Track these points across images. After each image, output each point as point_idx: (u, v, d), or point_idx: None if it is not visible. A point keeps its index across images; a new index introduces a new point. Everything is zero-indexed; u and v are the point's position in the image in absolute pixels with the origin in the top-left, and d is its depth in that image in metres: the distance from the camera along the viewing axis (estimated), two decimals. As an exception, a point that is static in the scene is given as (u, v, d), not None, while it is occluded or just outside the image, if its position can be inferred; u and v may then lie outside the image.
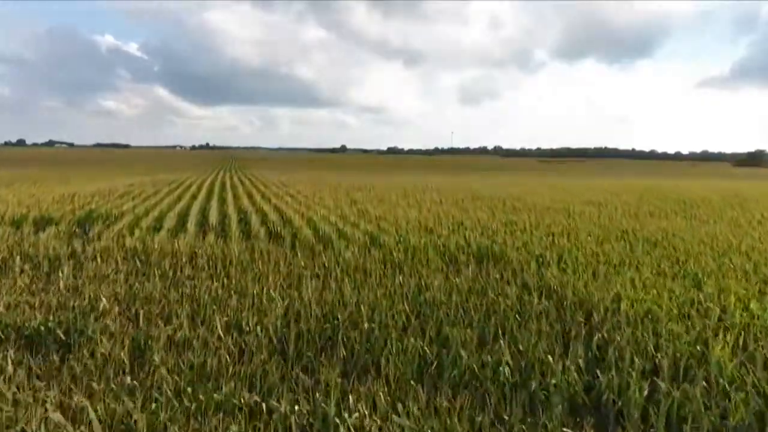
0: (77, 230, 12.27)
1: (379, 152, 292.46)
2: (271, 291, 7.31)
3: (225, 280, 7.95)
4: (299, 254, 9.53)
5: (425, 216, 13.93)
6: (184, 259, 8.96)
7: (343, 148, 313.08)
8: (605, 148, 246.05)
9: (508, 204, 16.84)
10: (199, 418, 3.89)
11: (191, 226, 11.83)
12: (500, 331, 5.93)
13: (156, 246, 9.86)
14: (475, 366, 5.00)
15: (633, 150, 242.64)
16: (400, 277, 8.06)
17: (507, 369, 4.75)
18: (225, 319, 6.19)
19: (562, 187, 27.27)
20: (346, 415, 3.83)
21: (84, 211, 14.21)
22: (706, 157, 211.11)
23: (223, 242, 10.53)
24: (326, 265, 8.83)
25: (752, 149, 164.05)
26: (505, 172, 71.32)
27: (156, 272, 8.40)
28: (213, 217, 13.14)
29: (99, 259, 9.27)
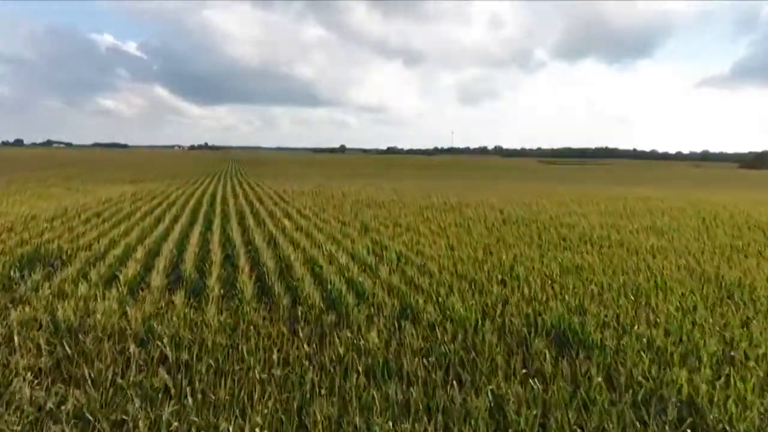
0: (15, 275, 9.49)
1: (379, 152, 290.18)
2: (257, 430, 4.53)
3: (188, 394, 5.15)
4: (301, 332, 6.71)
5: (458, 253, 11.10)
6: (132, 348, 6.12)
7: (342, 148, 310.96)
8: (606, 148, 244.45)
9: (553, 232, 13.98)
10: None
11: (158, 274, 9.00)
12: None
13: (100, 317, 7.02)
14: None
15: (634, 150, 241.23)
16: (458, 388, 5.26)
17: None
18: None
19: (595, 200, 24.41)
20: None
21: (31, 247, 11.37)
22: (706, 157, 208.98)
23: (196, 306, 7.72)
24: (342, 356, 6.02)
25: (754, 149, 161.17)
26: (513, 174, 67.98)
27: (88, 373, 5.61)
28: (190, 259, 10.30)
29: (16, 340, 6.48)
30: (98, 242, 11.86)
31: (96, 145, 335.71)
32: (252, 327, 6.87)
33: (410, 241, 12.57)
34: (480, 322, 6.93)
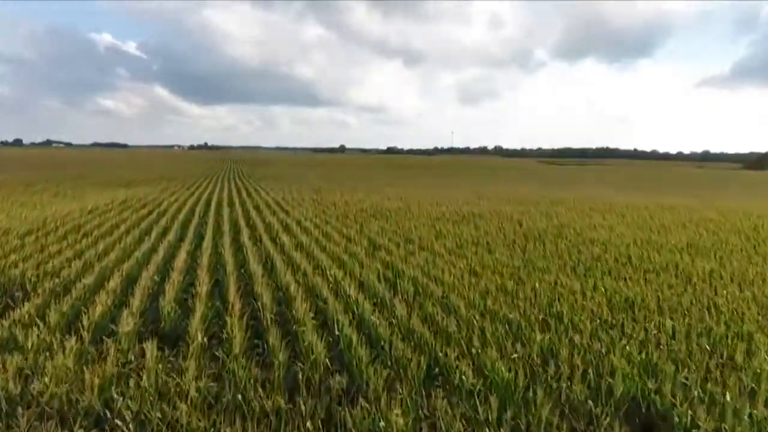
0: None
1: (379, 152, 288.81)
2: None
3: None
4: (303, 405, 5.24)
5: (484, 282, 9.63)
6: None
7: (342, 148, 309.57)
8: (606, 148, 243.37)
9: (584, 251, 12.51)
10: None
11: (131, 314, 7.52)
12: None
13: (48, 382, 5.55)
14: None
15: (634, 150, 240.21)
16: None
17: None
18: None
19: (616, 209, 22.93)
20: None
21: (-8, 273, 9.89)
22: (707, 158, 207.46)
23: (172, 360, 6.27)
24: (356, 448, 4.55)
25: (754, 149, 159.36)
26: (515, 174, 66.20)
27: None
28: (172, 289, 8.81)
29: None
30: (70, 266, 10.39)
31: (95, 144, 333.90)
32: (240, 395, 5.41)
33: (426, 263, 11.09)
34: (531, 388, 5.47)
